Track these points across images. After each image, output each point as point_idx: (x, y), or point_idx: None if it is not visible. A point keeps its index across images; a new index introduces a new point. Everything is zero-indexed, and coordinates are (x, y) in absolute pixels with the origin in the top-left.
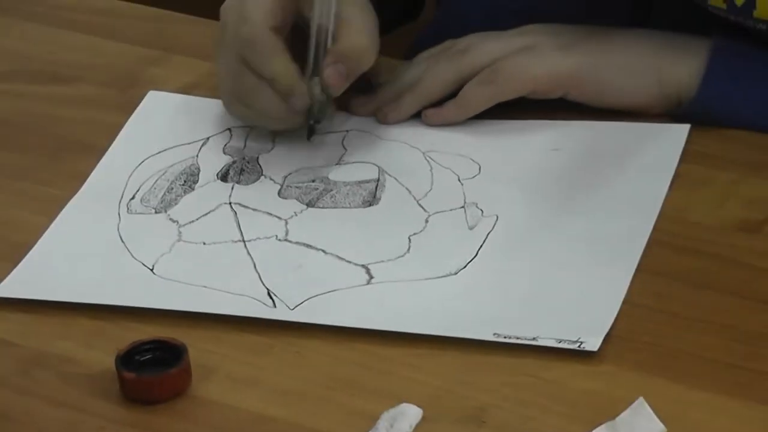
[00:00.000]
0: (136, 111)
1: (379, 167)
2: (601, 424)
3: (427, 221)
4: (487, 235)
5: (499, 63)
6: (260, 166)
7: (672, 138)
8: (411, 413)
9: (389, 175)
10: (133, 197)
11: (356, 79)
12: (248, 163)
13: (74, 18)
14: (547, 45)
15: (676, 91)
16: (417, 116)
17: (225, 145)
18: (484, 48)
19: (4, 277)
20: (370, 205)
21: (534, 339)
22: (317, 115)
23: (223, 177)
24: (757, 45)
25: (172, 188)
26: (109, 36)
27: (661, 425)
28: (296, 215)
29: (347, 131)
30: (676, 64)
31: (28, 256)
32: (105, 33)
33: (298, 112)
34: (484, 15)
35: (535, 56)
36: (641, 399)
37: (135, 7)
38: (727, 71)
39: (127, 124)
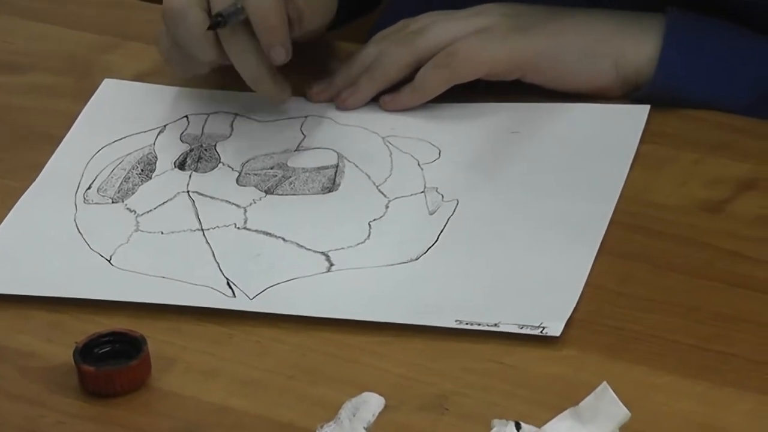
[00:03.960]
0: (92, 99)
1: (338, 153)
2: (565, 409)
3: (387, 207)
4: (448, 220)
5: (455, 45)
6: (218, 154)
7: (632, 119)
8: (373, 402)
9: (348, 161)
10: (89, 187)
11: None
12: (206, 150)
13: (28, 5)
14: (503, 26)
15: (634, 75)
16: (375, 101)
17: (182, 132)
18: (439, 29)
19: None
20: (329, 191)
21: (496, 325)
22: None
23: (181, 165)
24: (711, 15)
25: (129, 177)
26: (64, 23)
27: (625, 410)
28: (255, 203)
29: (306, 117)
30: (633, 48)
31: None
32: (59, 20)
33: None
34: None
35: (491, 38)
36: (605, 383)
37: None
38: (682, 52)
39: (82, 112)
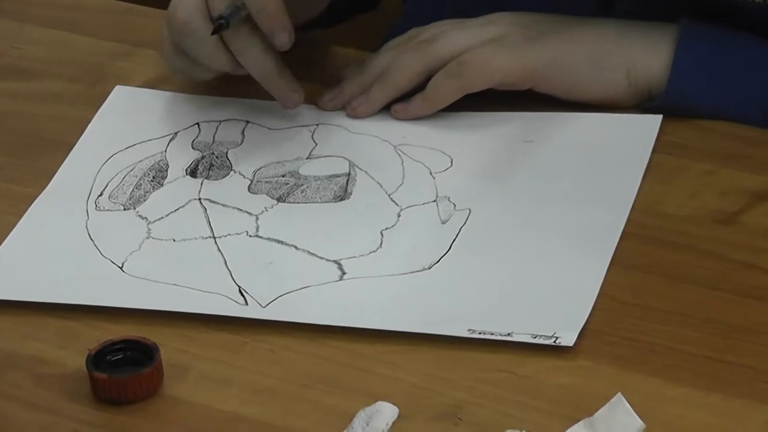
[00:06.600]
0: (103, 106)
1: (349, 161)
2: (578, 420)
3: (399, 215)
4: (460, 229)
5: (466, 55)
6: (230, 161)
7: (644, 129)
8: (387, 411)
9: (360, 169)
10: (101, 194)
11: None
12: (217, 158)
13: (40, 13)
14: (514, 36)
15: (646, 85)
16: (387, 109)
17: (193, 140)
18: (450, 38)
19: None
20: (341, 199)
21: (509, 334)
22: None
23: (192, 172)
24: (724, 26)
25: (141, 184)
26: (76, 30)
27: (639, 421)
28: (267, 210)
29: (317, 125)
30: (644, 58)
31: None
32: (71, 27)
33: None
34: (453, 8)
35: (503, 48)
36: (619, 394)
37: (101, 2)
38: (695, 62)
39: (93, 119)
